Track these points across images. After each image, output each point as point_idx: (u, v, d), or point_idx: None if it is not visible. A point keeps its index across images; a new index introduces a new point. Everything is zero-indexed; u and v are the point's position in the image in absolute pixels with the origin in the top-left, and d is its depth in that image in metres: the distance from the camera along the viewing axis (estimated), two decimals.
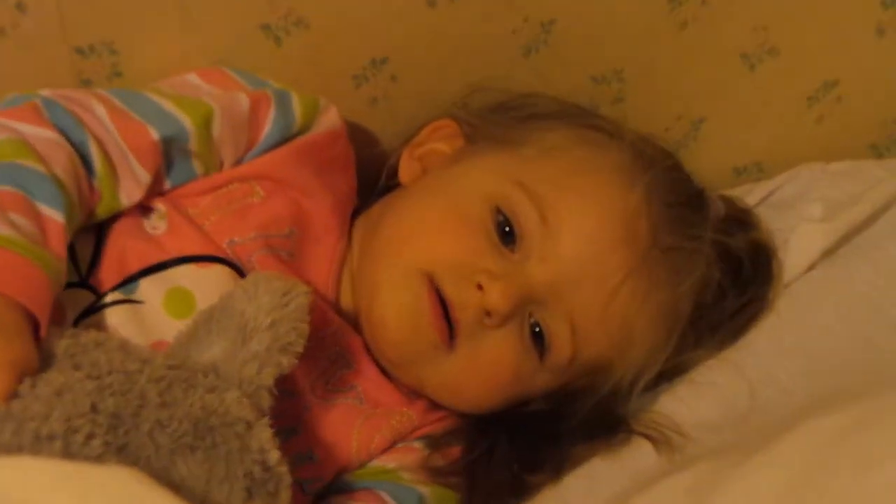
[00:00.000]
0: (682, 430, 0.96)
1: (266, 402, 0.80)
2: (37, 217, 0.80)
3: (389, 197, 1.03)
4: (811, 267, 1.08)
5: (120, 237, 0.90)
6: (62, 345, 0.77)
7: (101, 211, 0.89)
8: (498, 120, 1.03)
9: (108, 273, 0.89)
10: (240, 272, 0.92)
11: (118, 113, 0.90)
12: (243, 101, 0.93)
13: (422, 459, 0.98)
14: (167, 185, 0.93)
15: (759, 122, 1.19)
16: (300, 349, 0.82)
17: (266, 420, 0.79)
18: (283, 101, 0.95)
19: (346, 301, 0.99)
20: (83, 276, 0.88)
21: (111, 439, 0.72)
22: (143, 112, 0.90)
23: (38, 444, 0.70)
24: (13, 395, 0.71)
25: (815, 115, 1.20)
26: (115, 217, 0.91)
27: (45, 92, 0.89)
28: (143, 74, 0.98)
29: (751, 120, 1.19)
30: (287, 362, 0.81)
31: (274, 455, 0.77)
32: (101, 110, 0.89)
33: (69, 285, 0.86)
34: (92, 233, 0.90)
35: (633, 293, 0.94)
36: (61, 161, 0.84)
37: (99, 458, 0.71)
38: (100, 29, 0.97)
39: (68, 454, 0.70)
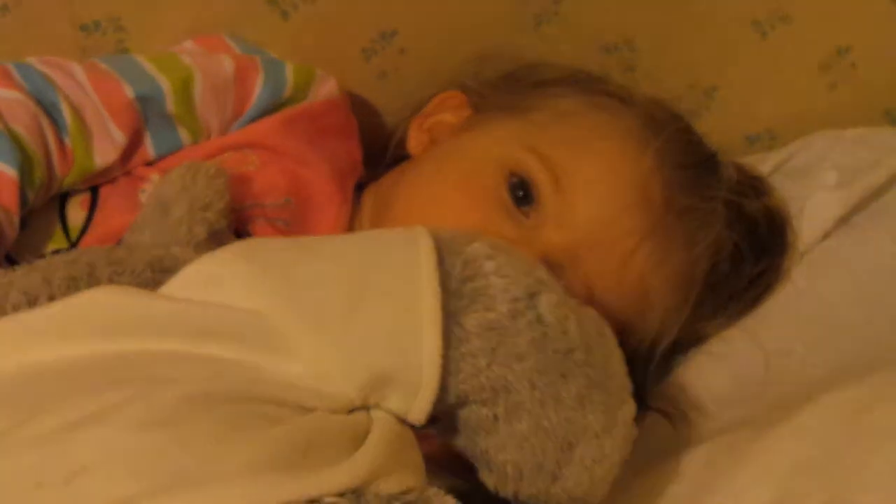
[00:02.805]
0: (699, 405, 0.96)
1: None
2: None
3: (399, 167, 1.03)
4: (826, 235, 1.07)
5: (115, 209, 0.91)
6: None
7: (77, 171, 0.90)
8: (507, 88, 1.02)
9: (98, 241, 0.89)
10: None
11: (97, 73, 0.91)
12: (227, 64, 0.94)
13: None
14: (152, 152, 0.94)
15: (771, 90, 1.18)
16: (223, 205, 0.84)
17: None
18: (273, 69, 0.96)
19: None
20: (73, 243, 0.90)
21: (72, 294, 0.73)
22: (123, 71, 0.92)
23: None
24: None
25: (828, 82, 1.18)
26: (109, 189, 0.92)
27: (30, 59, 0.91)
28: (149, 51, 0.97)
29: (763, 88, 1.18)
30: (213, 217, 0.82)
31: None
32: (80, 72, 0.90)
33: (58, 252, 0.86)
34: (85, 204, 0.92)
35: (648, 256, 0.93)
36: (22, 118, 0.86)
37: None
38: (105, 5, 0.97)
39: None
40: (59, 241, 0.90)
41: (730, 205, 1.00)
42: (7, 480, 0.61)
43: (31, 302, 0.72)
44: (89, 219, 0.91)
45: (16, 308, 0.72)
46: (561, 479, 0.75)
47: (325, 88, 0.99)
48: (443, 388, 0.71)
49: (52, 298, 0.72)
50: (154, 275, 0.76)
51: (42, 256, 0.87)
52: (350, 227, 0.98)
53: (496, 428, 0.74)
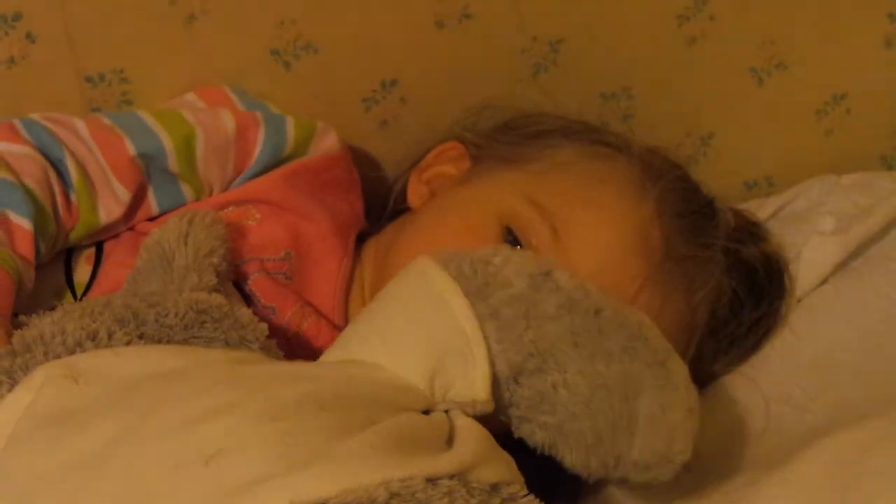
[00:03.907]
0: (698, 451, 0.95)
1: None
2: (4, 222, 0.83)
3: (400, 220, 1.03)
4: (824, 281, 1.07)
5: (118, 263, 0.91)
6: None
7: (82, 226, 0.90)
8: (504, 139, 1.03)
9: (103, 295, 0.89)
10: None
11: (101, 129, 0.91)
12: (228, 121, 0.94)
13: None
14: (155, 208, 0.94)
15: (768, 137, 1.19)
16: (224, 250, 0.85)
17: (237, 305, 0.82)
18: (273, 124, 0.96)
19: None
20: (79, 299, 0.90)
21: (129, 331, 0.75)
22: (125, 128, 0.92)
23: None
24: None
25: (824, 128, 1.19)
26: (113, 244, 0.93)
27: (34, 116, 0.91)
28: (154, 102, 0.98)
29: (760, 134, 1.19)
30: (218, 261, 0.84)
31: (262, 327, 0.80)
32: (83, 129, 0.91)
33: None
34: (90, 260, 0.92)
35: (648, 304, 0.93)
36: (33, 173, 0.86)
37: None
38: (110, 57, 0.98)
39: None
40: (65, 297, 0.90)
41: (728, 252, 1.00)
42: (144, 466, 0.64)
43: (92, 337, 0.74)
44: (93, 274, 0.92)
45: (78, 343, 0.73)
46: (639, 435, 0.77)
47: (326, 142, 0.99)
48: (494, 361, 0.76)
49: (110, 334, 0.74)
50: (197, 315, 0.77)
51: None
52: (351, 280, 0.99)
53: (558, 397, 0.76)
